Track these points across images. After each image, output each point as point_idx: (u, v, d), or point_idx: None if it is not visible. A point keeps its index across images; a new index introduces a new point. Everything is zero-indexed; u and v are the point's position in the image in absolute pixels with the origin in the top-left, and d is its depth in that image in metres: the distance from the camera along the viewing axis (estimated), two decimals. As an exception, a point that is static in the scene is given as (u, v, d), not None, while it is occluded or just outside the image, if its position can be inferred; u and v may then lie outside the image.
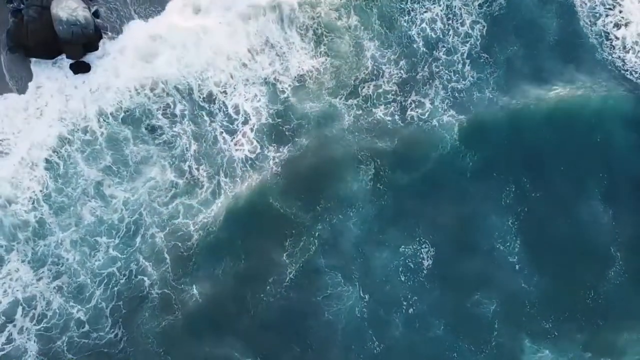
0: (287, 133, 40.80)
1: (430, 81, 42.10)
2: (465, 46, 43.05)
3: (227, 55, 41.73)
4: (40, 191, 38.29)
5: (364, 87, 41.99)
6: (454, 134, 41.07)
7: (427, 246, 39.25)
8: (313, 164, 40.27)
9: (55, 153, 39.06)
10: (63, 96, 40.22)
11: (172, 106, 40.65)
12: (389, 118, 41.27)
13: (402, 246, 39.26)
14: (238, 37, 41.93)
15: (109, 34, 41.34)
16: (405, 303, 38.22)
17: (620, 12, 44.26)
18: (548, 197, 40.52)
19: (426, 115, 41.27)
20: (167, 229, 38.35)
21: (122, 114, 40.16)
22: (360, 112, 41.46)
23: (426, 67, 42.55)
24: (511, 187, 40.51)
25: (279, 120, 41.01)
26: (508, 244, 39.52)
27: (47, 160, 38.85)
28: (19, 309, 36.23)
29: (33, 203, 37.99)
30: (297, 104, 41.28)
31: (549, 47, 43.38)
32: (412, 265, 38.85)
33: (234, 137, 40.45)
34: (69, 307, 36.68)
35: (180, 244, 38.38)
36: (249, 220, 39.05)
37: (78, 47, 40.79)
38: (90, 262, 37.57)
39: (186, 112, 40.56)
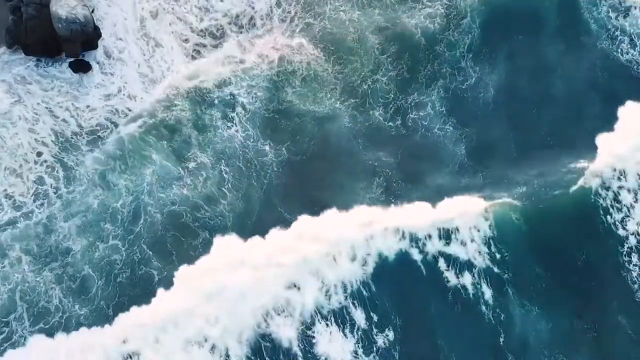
0: (290, 136, 40.64)
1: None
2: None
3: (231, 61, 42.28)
4: (52, 187, 37.72)
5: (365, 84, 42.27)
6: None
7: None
8: (313, 171, 40.00)
9: (60, 151, 38.77)
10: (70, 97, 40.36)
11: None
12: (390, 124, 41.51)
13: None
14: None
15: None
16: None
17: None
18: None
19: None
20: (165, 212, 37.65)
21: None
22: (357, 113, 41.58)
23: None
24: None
25: (283, 122, 40.92)
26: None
27: (51, 157, 38.44)
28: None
29: (43, 199, 37.28)
30: (300, 106, 41.29)
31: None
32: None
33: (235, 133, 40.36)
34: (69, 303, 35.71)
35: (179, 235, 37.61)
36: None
37: (77, 45, 40.75)
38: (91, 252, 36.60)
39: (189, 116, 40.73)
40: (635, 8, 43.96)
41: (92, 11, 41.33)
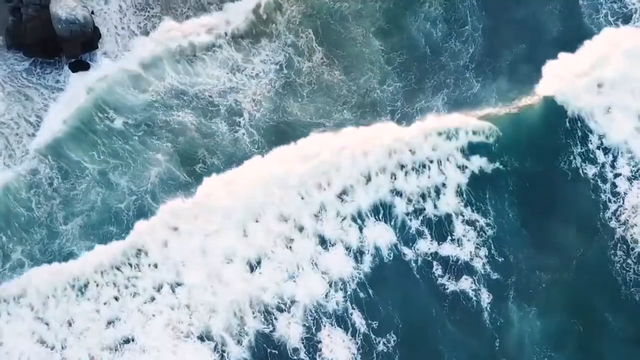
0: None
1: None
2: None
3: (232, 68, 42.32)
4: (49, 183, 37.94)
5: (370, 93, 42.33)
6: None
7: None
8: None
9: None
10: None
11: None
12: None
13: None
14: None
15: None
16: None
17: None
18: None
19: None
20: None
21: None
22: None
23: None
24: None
25: (286, 127, 40.95)
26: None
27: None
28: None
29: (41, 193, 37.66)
30: (301, 113, 41.37)
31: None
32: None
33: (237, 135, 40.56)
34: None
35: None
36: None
37: (77, 45, 40.70)
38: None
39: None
40: (636, 11, 43.83)
41: (92, 12, 41.22)
